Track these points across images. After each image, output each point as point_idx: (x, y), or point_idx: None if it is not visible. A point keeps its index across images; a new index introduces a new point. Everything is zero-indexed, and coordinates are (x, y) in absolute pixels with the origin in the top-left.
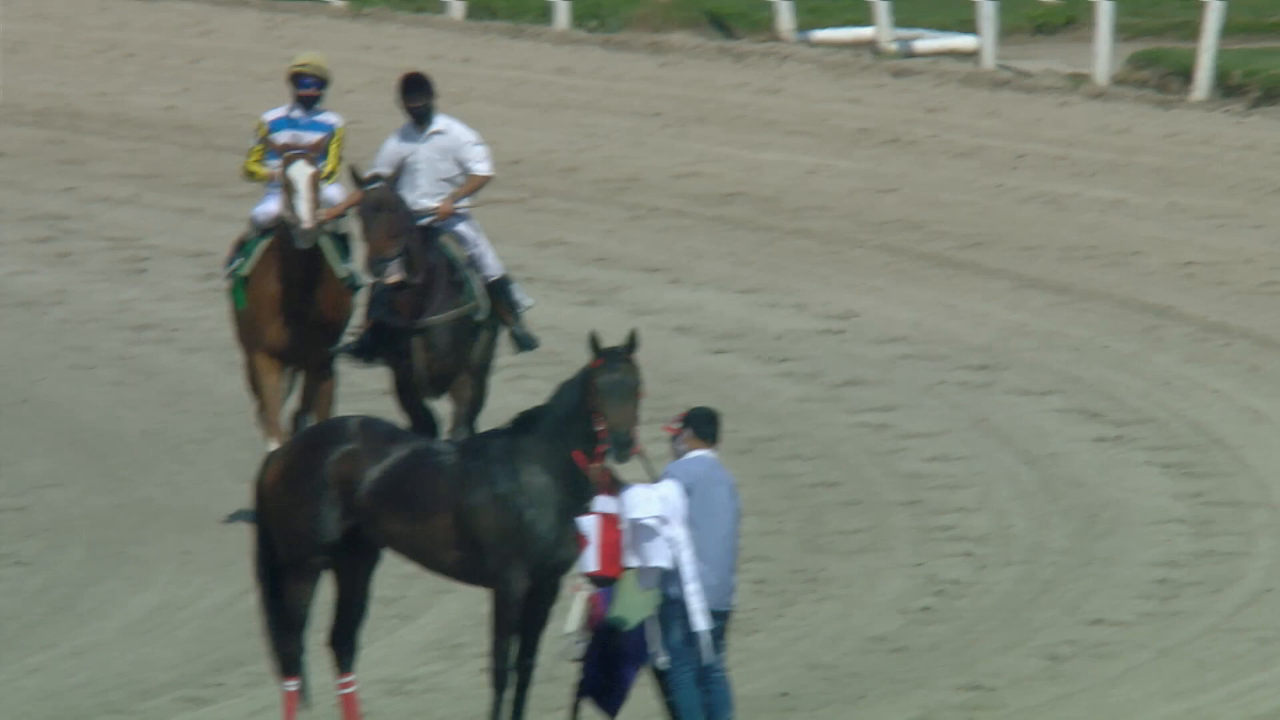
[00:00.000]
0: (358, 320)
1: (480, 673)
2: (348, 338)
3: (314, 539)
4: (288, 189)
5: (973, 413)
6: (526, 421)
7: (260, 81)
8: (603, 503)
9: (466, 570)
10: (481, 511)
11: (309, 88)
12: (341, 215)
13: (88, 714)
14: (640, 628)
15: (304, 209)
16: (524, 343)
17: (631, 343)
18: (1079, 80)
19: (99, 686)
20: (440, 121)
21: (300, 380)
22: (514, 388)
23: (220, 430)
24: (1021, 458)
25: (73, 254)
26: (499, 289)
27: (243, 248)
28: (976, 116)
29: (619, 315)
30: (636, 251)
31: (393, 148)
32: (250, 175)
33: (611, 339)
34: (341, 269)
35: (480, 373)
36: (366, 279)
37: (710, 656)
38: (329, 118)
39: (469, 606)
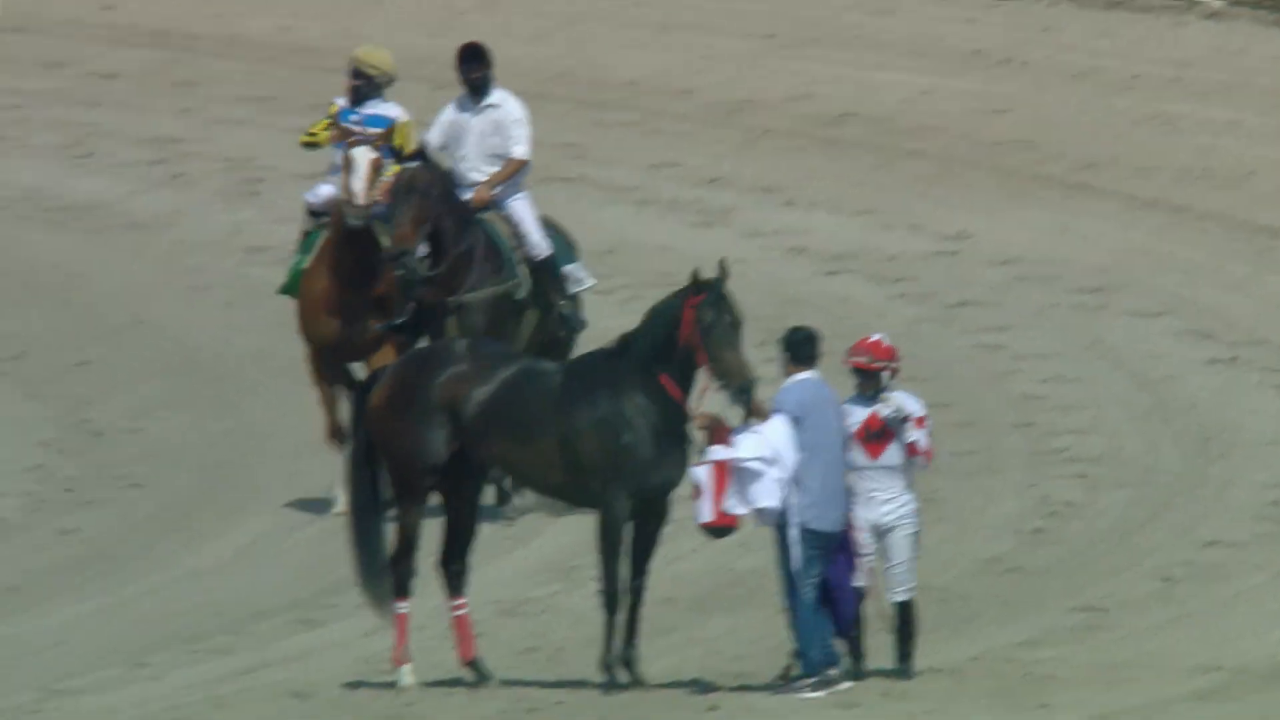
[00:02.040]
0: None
1: (596, 595)
2: (396, 317)
3: (422, 461)
4: (347, 168)
5: (1086, 334)
6: (626, 344)
7: (374, 3)
8: (715, 451)
9: (571, 492)
10: (584, 435)
11: (353, 78)
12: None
13: (203, 635)
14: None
15: (358, 185)
16: (570, 324)
17: (723, 274)
18: (1193, 1)
19: (214, 608)
20: (496, 95)
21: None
22: (627, 310)
23: None
24: (1134, 380)
25: (187, 176)
26: (547, 268)
27: (305, 240)
28: (1090, 37)
29: (733, 237)
30: (750, 173)
31: (447, 118)
32: (310, 137)
33: (726, 260)
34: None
35: (549, 352)
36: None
37: (812, 593)
38: (390, 110)
39: (584, 528)
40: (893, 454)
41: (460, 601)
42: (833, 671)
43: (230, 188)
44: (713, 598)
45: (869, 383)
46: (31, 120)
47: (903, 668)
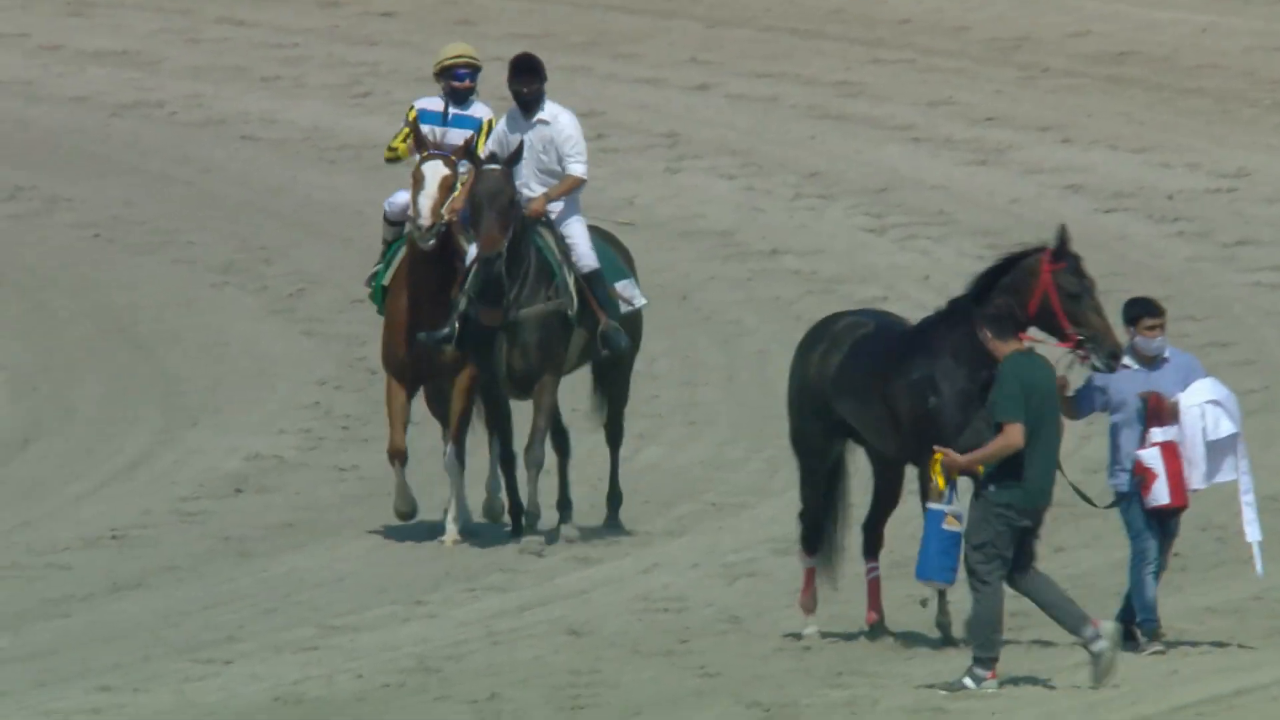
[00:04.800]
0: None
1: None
2: (440, 329)
3: (805, 441)
4: (416, 184)
5: None
6: (955, 309)
7: None
8: (1161, 432)
9: (905, 454)
10: (898, 398)
11: (465, 79)
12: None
13: (480, 572)
14: None
15: (425, 205)
16: (611, 342)
17: (1068, 239)
18: None
19: (486, 545)
20: (548, 110)
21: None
22: (903, 248)
23: None
24: None
25: None
26: (593, 283)
27: (386, 251)
28: None
29: (1009, 175)
30: (1027, 111)
31: (500, 133)
32: (391, 153)
33: (1001, 198)
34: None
35: (614, 371)
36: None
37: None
38: (479, 110)
39: (858, 466)
40: None
41: (872, 564)
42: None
43: None
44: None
45: None
46: (309, 60)
47: None
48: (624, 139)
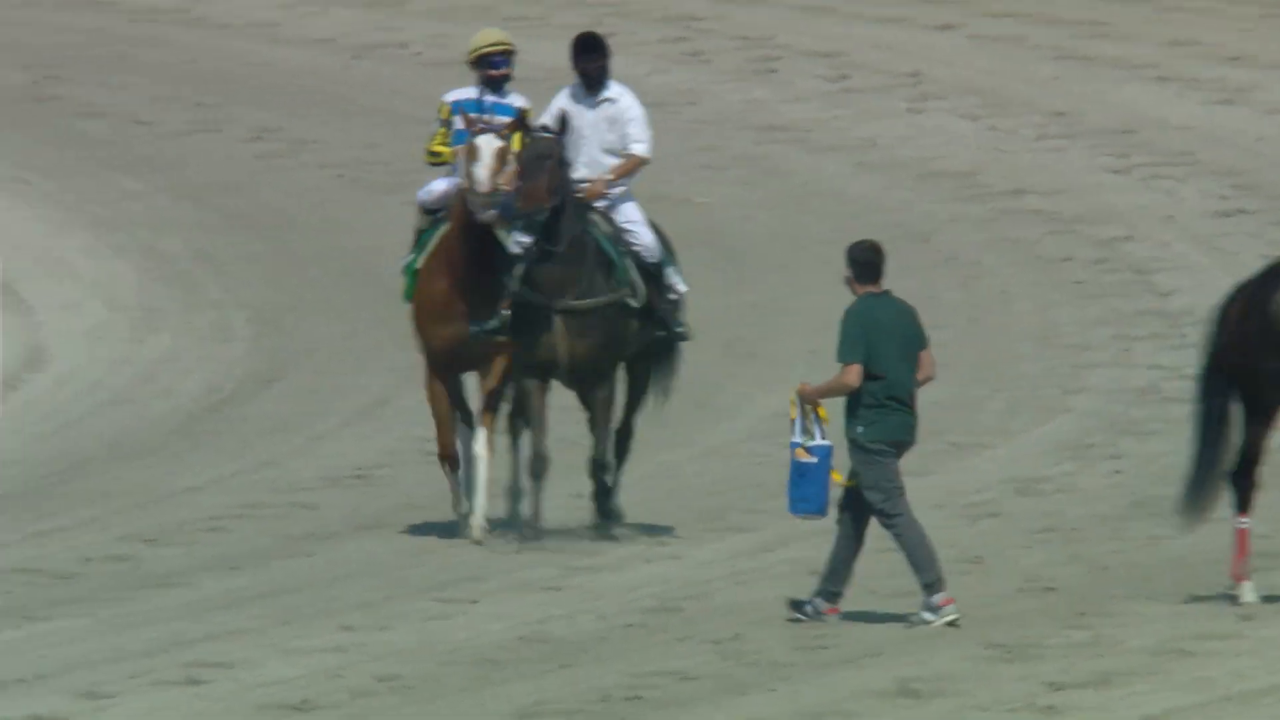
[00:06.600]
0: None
1: (1112, 474)
2: (489, 319)
3: (1264, 385)
4: (471, 156)
5: None
6: None
7: None
8: None
9: None
10: None
11: (502, 67)
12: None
13: (722, 512)
14: None
15: (482, 174)
16: (669, 325)
17: None
18: None
19: (729, 485)
20: (613, 89)
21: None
22: (1148, 188)
23: (850, 231)
24: None
25: (705, 54)
26: (655, 273)
27: (419, 239)
28: None
29: (1254, 115)
30: (1272, 50)
31: (559, 107)
32: (435, 157)
33: (1246, 138)
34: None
35: (648, 358)
36: (512, 240)
37: None
38: (515, 100)
39: (1100, 407)
40: None
41: (1241, 517)
42: None
43: (746, 66)
44: None
45: None
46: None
47: None
48: (866, 79)
